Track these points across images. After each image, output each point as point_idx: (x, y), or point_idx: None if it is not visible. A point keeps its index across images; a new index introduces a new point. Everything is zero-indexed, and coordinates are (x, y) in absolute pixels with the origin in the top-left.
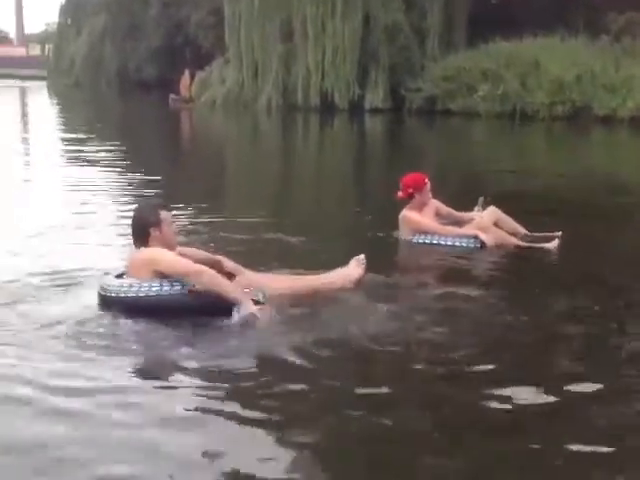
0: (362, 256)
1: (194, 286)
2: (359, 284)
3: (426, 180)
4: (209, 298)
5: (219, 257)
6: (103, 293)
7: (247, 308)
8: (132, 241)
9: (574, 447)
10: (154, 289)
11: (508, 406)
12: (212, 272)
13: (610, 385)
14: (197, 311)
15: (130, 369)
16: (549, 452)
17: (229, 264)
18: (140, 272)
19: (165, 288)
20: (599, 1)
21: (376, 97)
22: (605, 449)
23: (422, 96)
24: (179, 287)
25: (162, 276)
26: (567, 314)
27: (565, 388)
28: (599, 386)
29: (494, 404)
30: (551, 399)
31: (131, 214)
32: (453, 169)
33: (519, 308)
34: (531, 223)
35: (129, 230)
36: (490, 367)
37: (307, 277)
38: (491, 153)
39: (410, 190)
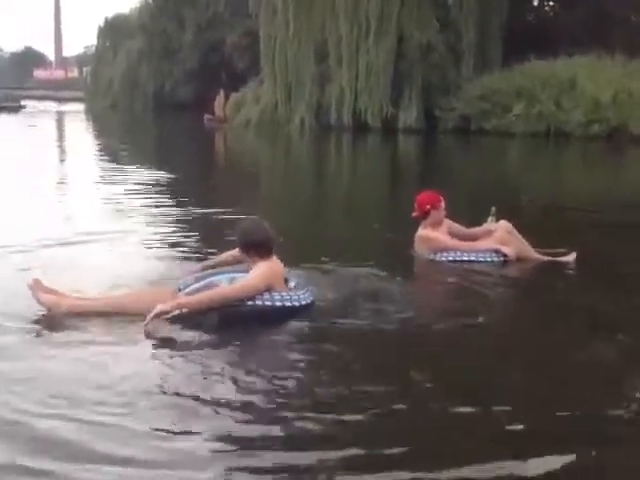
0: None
1: None
2: None
3: (441, 198)
4: None
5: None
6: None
7: None
8: (265, 253)
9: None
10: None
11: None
12: None
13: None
14: None
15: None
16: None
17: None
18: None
19: None
20: (636, 20)
21: (410, 117)
22: None
23: (456, 116)
24: None
25: None
26: (591, 328)
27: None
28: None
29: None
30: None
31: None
32: (483, 188)
33: (548, 323)
34: (554, 240)
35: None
36: (509, 385)
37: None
38: (523, 172)
39: (428, 207)
